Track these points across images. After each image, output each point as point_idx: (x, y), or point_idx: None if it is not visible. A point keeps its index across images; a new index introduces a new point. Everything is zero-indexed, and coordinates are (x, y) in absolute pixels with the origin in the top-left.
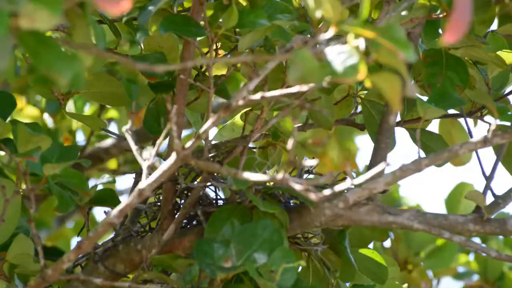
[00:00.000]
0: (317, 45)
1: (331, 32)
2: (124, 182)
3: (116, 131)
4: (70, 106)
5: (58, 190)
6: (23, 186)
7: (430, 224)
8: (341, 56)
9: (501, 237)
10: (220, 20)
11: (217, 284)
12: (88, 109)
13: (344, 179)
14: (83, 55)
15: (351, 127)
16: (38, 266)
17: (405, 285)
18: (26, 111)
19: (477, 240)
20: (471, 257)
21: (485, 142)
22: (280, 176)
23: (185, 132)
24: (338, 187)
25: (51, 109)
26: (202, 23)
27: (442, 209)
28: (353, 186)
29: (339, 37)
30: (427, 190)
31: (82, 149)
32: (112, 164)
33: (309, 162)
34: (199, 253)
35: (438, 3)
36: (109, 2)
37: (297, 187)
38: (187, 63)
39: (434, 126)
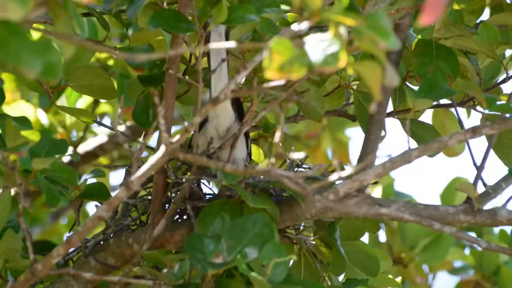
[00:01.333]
0: (299, 34)
1: (312, 20)
2: (118, 177)
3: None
4: (63, 101)
5: (47, 184)
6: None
7: (421, 215)
8: (322, 44)
9: (496, 231)
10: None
11: (208, 279)
12: (81, 104)
13: (334, 171)
14: (64, 44)
15: (343, 118)
16: (27, 261)
17: (399, 278)
18: (18, 106)
19: (472, 233)
20: (467, 251)
21: (474, 132)
22: (268, 169)
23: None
24: (328, 179)
25: (43, 104)
26: (190, 17)
27: (437, 203)
28: (344, 178)
29: (321, 25)
30: (421, 183)
31: (76, 144)
32: (106, 159)
33: (297, 155)
34: (190, 248)
35: None
36: None
37: (286, 180)
38: (170, 52)
39: (428, 117)
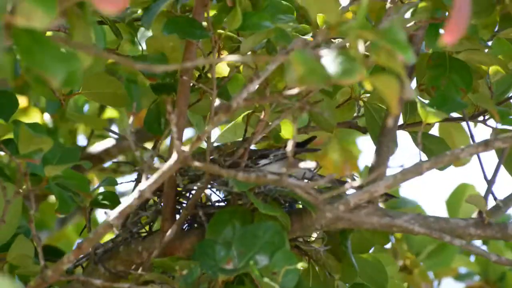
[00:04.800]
0: (317, 47)
1: (330, 34)
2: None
3: (116, 131)
4: (70, 106)
5: (59, 191)
6: (23, 187)
7: (431, 228)
8: (340, 57)
9: None
10: (224, 21)
11: (219, 285)
12: (87, 109)
13: (345, 181)
14: (82, 55)
15: (353, 130)
16: (38, 267)
17: (405, 284)
18: (28, 112)
19: (478, 241)
20: (472, 258)
21: (486, 145)
22: (279, 177)
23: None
24: (340, 189)
25: (51, 109)
26: (204, 24)
27: (443, 210)
28: (354, 189)
29: (340, 39)
30: (428, 191)
31: (82, 149)
32: (112, 164)
33: (309, 164)
34: (200, 255)
35: (441, 5)
36: (106, 1)
37: (297, 188)
38: (185, 63)
39: (435, 129)
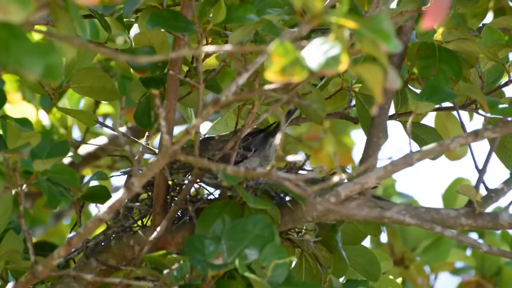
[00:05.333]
0: (301, 37)
1: (314, 22)
2: (119, 179)
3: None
4: (64, 102)
5: (48, 185)
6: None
7: (422, 218)
8: (323, 47)
9: (498, 232)
10: (210, 15)
11: (209, 280)
12: (82, 105)
13: (335, 173)
14: (66, 47)
15: (347, 122)
16: (28, 263)
17: (399, 279)
18: (20, 107)
19: (474, 235)
20: (468, 252)
21: (476, 135)
22: (269, 171)
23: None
24: (329, 181)
25: (44, 104)
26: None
27: (439, 205)
28: (345, 181)
29: (324, 28)
30: (424, 185)
31: (77, 145)
32: (107, 160)
33: (297, 157)
34: (190, 250)
35: None
36: None
37: (287, 182)
38: (171, 54)
39: (430, 120)
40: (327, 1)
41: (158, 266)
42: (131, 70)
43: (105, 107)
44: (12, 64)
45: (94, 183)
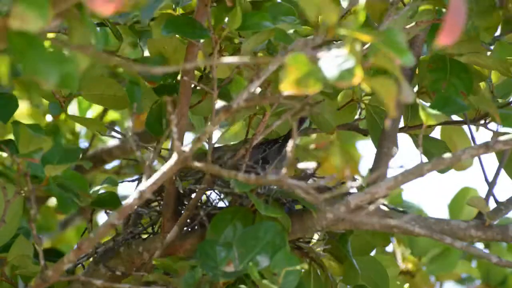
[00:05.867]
0: (315, 48)
1: (328, 35)
2: (128, 185)
3: (119, 132)
4: (74, 108)
5: (59, 191)
6: (25, 188)
7: (432, 229)
8: (337, 59)
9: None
10: (225, 22)
11: (220, 286)
12: (91, 112)
13: (345, 183)
14: (80, 56)
15: (354, 132)
16: (38, 268)
17: (406, 285)
18: (31, 115)
19: (480, 245)
20: (474, 263)
21: (487, 147)
22: (280, 178)
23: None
24: (340, 190)
25: (53, 111)
26: (206, 24)
27: (445, 214)
28: (355, 191)
29: (338, 41)
30: (430, 195)
31: (85, 151)
32: (115, 166)
33: (308, 164)
34: (201, 256)
35: (443, 6)
36: (100, 2)
37: (298, 189)
38: (185, 64)
39: (436, 132)
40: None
41: (169, 271)
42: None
43: (112, 114)
44: (28, 73)
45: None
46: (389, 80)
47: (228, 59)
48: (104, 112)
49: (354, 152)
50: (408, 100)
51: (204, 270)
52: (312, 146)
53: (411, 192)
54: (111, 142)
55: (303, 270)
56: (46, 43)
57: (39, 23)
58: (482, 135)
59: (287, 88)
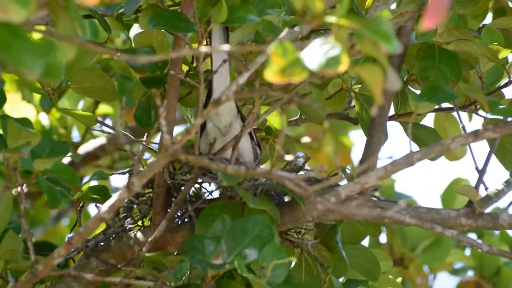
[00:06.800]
0: (301, 37)
1: (314, 23)
2: (119, 178)
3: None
4: (64, 102)
5: (48, 185)
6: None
7: (422, 218)
8: (323, 47)
9: (497, 232)
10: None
11: (208, 280)
12: (82, 105)
13: (336, 173)
14: (66, 46)
15: (346, 122)
16: (28, 262)
17: (399, 279)
18: (19, 107)
19: (473, 235)
20: (467, 252)
21: (476, 136)
22: (269, 170)
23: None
24: (330, 181)
25: (44, 105)
26: (192, 19)
27: (438, 205)
28: (345, 181)
29: (324, 28)
30: (423, 186)
31: (77, 145)
32: (107, 160)
33: (296, 157)
34: (190, 250)
35: None
36: None
37: (287, 181)
38: (171, 54)
39: (429, 121)
40: (328, 1)
41: (158, 266)
42: (131, 70)
43: (104, 107)
44: (12, 64)
45: (94, 182)
46: (375, 67)
47: (213, 48)
48: (95, 105)
49: (347, 142)
50: (394, 88)
51: (192, 263)
52: (306, 138)
53: (404, 184)
54: (104, 137)
55: (292, 262)
56: (31, 34)
57: (22, 14)
58: (474, 121)
59: (271, 77)
